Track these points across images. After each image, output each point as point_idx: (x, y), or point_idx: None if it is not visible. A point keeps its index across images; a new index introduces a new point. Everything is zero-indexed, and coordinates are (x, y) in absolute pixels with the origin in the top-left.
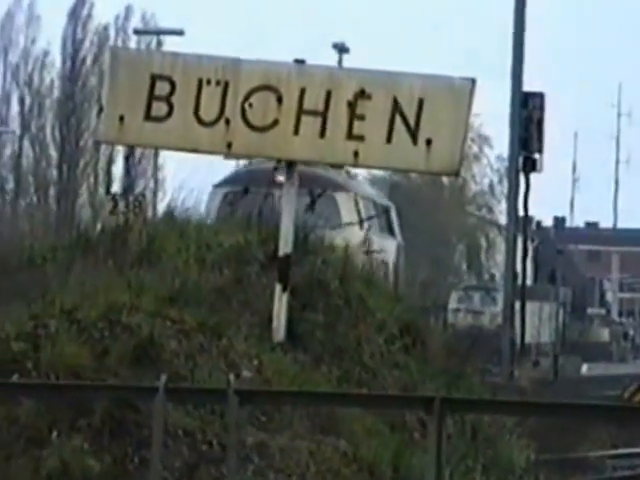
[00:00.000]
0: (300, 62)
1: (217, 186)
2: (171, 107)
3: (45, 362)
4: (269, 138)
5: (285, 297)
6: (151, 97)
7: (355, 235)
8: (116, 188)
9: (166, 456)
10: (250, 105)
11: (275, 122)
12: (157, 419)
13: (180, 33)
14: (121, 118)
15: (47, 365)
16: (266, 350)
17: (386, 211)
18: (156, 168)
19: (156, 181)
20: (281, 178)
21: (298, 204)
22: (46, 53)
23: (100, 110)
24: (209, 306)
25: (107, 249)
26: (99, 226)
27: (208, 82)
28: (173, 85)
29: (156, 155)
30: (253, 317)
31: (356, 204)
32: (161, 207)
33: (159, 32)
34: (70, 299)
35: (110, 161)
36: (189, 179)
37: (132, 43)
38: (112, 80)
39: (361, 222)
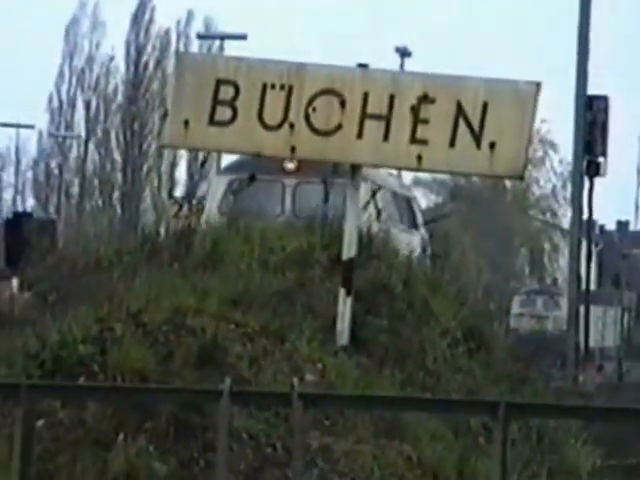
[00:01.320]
0: (363, 66)
1: (220, 173)
2: (235, 111)
3: (111, 365)
4: (332, 142)
5: (349, 301)
6: (215, 101)
7: (372, 227)
8: (178, 192)
9: (231, 459)
10: (314, 109)
11: (339, 126)
12: (222, 422)
13: (243, 37)
14: (186, 122)
15: (113, 368)
16: (330, 354)
17: (408, 203)
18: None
19: None
20: (291, 165)
21: (311, 194)
22: (111, 58)
23: (164, 114)
24: (272, 309)
25: (172, 253)
26: (163, 230)
27: (272, 86)
28: (237, 89)
29: (219, 159)
30: (316, 321)
31: (373, 195)
32: None
33: (222, 36)
34: (136, 302)
35: (173, 165)
36: None
37: (193, 47)
38: (177, 85)
39: (378, 213)
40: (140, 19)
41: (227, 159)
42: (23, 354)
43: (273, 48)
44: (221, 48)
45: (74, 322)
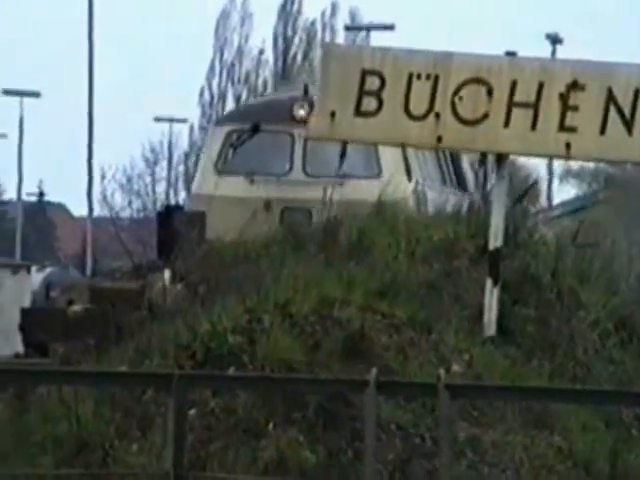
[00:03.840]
0: (511, 54)
1: (218, 123)
2: (381, 102)
3: (260, 355)
4: (479, 131)
5: (496, 291)
6: (361, 92)
7: (400, 188)
8: None
9: (379, 449)
10: (460, 98)
11: (485, 115)
12: (369, 412)
13: (391, 28)
14: (332, 114)
15: (262, 358)
16: (476, 344)
17: (453, 160)
18: None
19: None
20: (302, 112)
21: (326, 148)
22: (261, 51)
23: (311, 106)
24: (419, 300)
25: (318, 244)
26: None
27: (418, 76)
28: (383, 80)
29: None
30: (463, 311)
31: (402, 148)
32: None
33: (369, 27)
34: (283, 293)
35: None
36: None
37: (339, 39)
38: (324, 76)
39: (409, 171)
40: (288, 11)
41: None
42: (175, 344)
43: (420, 38)
44: (367, 39)
45: (224, 313)
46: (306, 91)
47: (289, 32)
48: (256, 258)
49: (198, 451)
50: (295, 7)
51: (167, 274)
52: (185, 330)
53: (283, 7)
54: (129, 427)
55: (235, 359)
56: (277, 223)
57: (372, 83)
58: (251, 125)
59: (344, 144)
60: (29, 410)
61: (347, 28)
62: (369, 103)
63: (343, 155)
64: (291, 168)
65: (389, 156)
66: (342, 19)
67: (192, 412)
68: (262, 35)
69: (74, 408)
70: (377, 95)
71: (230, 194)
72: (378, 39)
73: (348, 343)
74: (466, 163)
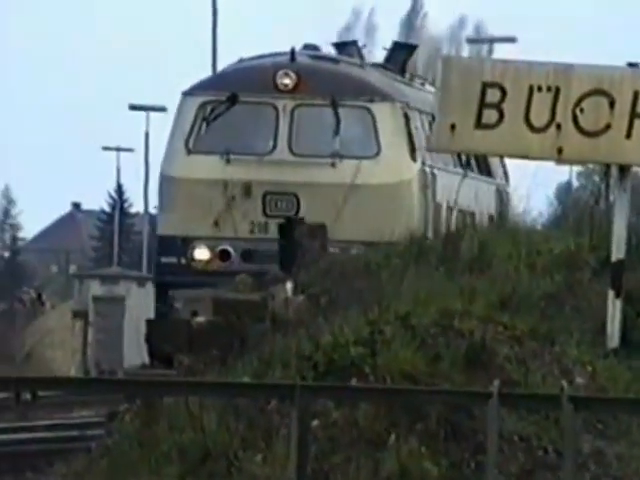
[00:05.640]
0: (633, 65)
1: (188, 93)
2: (502, 114)
3: (381, 366)
4: (600, 143)
5: (618, 303)
6: (482, 105)
7: (402, 169)
8: None
9: (502, 461)
10: (581, 110)
11: (607, 126)
12: (492, 424)
13: (512, 40)
14: (452, 126)
15: (383, 369)
16: (599, 357)
17: None
18: None
19: None
20: (286, 80)
21: (315, 122)
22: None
23: (432, 118)
24: (541, 312)
25: (439, 256)
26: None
27: (539, 88)
28: (504, 92)
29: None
30: (585, 323)
31: (406, 121)
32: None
33: (491, 40)
34: (404, 305)
35: None
36: (519, 185)
37: (464, 52)
38: (444, 89)
39: (413, 149)
40: (412, 24)
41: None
42: (297, 356)
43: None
44: (490, 52)
45: (345, 324)
46: (293, 57)
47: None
48: (377, 270)
49: (321, 462)
50: (419, 21)
51: (289, 285)
52: (307, 341)
53: (407, 21)
54: (253, 437)
55: (357, 370)
56: (259, 210)
57: (493, 95)
58: (228, 95)
59: (337, 118)
60: (156, 420)
61: (469, 41)
62: (489, 115)
63: (338, 130)
64: (275, 146)
65: (390, 132)
66: (469, 32)
67: (315, 423)
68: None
69: (199, 418)
70: (498, 107)
71: (203, 176)
72: (501, 51)
73: (469, 354)
74: None
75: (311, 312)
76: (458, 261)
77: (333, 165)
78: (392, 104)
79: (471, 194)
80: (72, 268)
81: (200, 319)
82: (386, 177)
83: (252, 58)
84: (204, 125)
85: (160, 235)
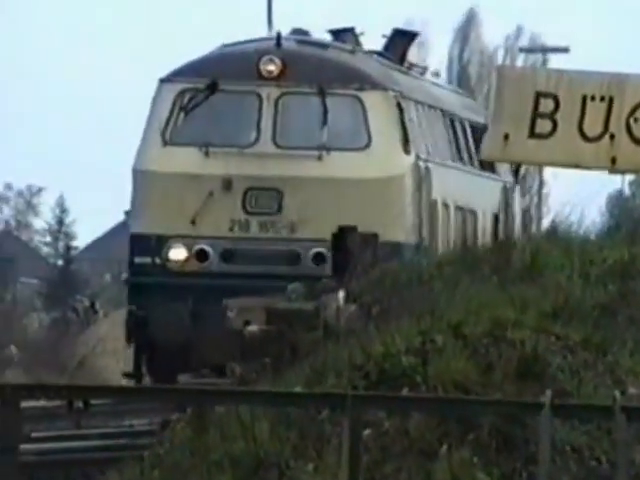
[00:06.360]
0: None
1: (166, 80)
2: (555, 124)
3: (433, 376)
4: None
5: None
6: (535, 114)
7: (394, 162)
8: None
9: (554, 472)
10: (635, 120)
11: None
12: (544, 435)
13: (565, 50)
14: (505, 136)
15: (435, 379)
16: None
17: (475, 131)
18: (541, 184)
19: (540, 197)
20: (271, 67)
21: (301, 111)
22: (436, 73)
23: (485, 128)
24: (593, 322)
25: (491, 265)
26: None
27: (592, 98)
28: (557, 102)
29: (540, 171)
30: (639, 333)
31: (400, 112)
32: (545, 222)
33: (544, 50)
34: (456, 315)
35: None
36: (573, 195)
37: (519, 62)
38: (498, 98)
39: (406, 141)
40: (466, 33)
41: (550, 170)
42: (349, 365)
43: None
44: (544, 62)
45: (397, 334)
46: (279, 42)
47: (466, 55)
48: (429, 279)
49: (372, 472)
50: (474, 32)
51: (341, 295)
52: (359, 351)
53: (461, 31)
54: (305, 447)
55: (408, 380)
56: (239, 207)
57: (546, 105)
58: (208, 83)
59: (324, 107)
60: (208, 429)
61: (522, 50)
62: (543, 125)
63: (325, 120)
64: (258, 138)
65: (381, 123)
66: (525, 43)
67: (367, 432)
68: (437, 56)
69: (251, 427)
70: (551, 117)
71: (180, 170)
72: (555, 63)
73: (522, 365)
74: None
75: (363, 321)
76: (510, 270)
77: (320, 158)
78: (384, 93)
79: (472, 191)
80: (125, 277)
81: (253, 328)
82: (376, 171)
83: (235, 43)
84: (182, 115)
85: (133, 233)
